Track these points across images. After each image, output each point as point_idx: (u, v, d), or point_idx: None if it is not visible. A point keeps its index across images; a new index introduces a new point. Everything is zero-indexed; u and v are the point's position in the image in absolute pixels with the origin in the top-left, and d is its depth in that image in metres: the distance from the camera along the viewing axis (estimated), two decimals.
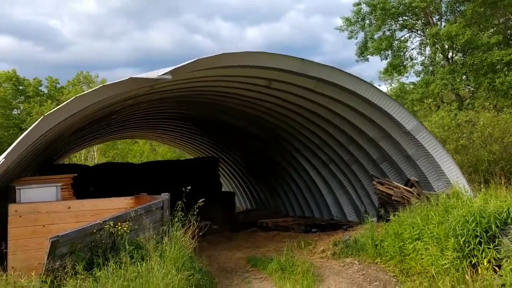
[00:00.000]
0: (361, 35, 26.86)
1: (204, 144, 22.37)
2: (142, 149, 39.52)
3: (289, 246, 10.41)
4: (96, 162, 37.79)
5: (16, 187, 9.17)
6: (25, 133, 8.25)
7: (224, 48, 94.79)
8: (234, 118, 16.51)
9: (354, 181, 14.69)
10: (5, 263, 8.71)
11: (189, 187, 8.54)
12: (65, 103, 8.49)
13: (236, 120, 16.73)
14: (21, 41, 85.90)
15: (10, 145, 8.46)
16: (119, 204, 9.97)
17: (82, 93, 8.66)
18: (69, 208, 9.48)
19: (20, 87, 61.02)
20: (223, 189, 21.24)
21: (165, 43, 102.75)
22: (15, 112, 60.91)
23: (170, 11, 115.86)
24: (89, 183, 15.23)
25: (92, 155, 44.07)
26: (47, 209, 9.29)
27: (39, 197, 9.42)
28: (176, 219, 8.15)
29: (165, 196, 8.94)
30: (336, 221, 15.66)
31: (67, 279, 6.96)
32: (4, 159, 7.99)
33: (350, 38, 26.89)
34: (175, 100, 14.36)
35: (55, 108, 8.56)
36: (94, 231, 7.54)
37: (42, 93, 61.14)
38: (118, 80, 8.60)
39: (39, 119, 8.24)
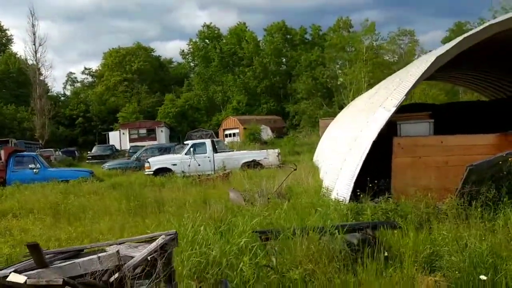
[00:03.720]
0: None
1: None
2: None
3: None
4: None
5: (398, 122, 10.43)
6: (419, 69, 9.23)
7: None
8: None
9: None
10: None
11: None
12: (454, 43, 9.08)
13: None
14: None
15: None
16: (486, 141, 10.41)
17: (470, 33, 9.08)
18: (441, 142, 10.38)
19: (288, 36, 67.24)
20: None
21: None
22: (283, 59, 67.62)
23: None
24: None
25: None
26: (423, 142, 10.38)
27: (415, 131, 10.54)
28: None
29: None
30: None
31: (475, 204, 7.75)
32: (405, 97, 9.18)
33: None
34: None
35: (444, 50, 9.24)
36: (499, 162, 8.09)
37: (307, 41, 66.31)
38: None
39: (432, 61, 9.03)
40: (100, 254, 4.22)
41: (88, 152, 43.57)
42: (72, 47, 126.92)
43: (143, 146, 38.17)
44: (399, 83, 10.47)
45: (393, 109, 9.44)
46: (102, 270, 4.15)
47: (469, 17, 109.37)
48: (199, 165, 21.35)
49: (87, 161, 38.81)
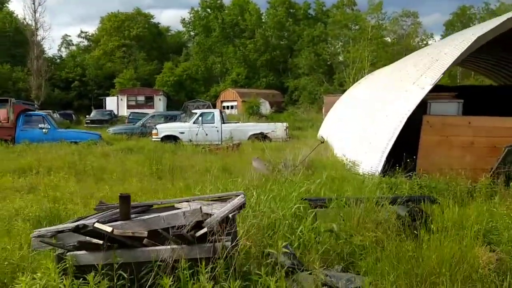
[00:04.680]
0: None
1: None
2: None
3: None
4: None
5: (428, 101, 10.47)
6: (457, 49, 9.22)
7: None
8: None
9: None
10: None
11: None
12: (498, 23, 9.05)
13: None
14: None
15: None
16: None
17: None
18: (469, 123, 10.47)
19: (291, 10, 66.47)
20: None
21: None
22: (285, 33, 66.95)
23: None
24: None
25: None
26: (451, 122, 10.48)
27: (444, 111, 10.60)
28: None
29: None
30: None
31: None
32: (442, 75, 9.19)
33: None
34: None
35: (487, 30, 9.20)
36: None
37: (310, 16, 65.66)
38: None
39: (473, 40, 9.01)
40: (184, 210, 4.25)
41: (87, 116, 43.16)
42: (65, 10, 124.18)
43: (144, 113, 37.91)
44: (432, 61, 10.45)
45: (428, 87, 9.48)
46: (184, 225, 4.18)
47: (473, 1, 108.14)
48: (206, 134, 21.32)
49: (85, 125, 38.48)
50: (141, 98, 51.48)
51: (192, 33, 76.98)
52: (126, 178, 10.71)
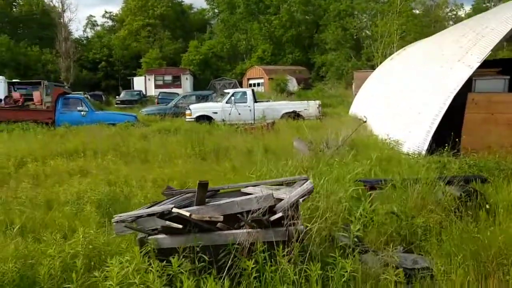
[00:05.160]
0: None
1: None
2: None
3: None
4: None
5: (473, 78, 10.30)
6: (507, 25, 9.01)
7: None
8: None
9: None
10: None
11: None
12: None
13: None
14: None
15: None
16: None
17: None
18: None
19: None
20: None
21: None
22: (311, 8, 65.81)
23: None
24: None
25: None
26: (497, 99, 10.31)
27: (490, 88, 10.43)
28: None
29: None
30: None
31: None
32: (490, 52, 9.02)
33: None
34: None
35: None
36: None
37: None
38: None
39: None
40: (257, 195, 4.39)
41: (116, 97, 43.79)
42: None
43: (173, 92, 38.25)
44: (478, 38, 10.23)
45: (475, 65, 9.33)
46: (256, 209, 4.34)
47: None
48: (239, 114, 21.43)
49: (115, 105, 39.08)
50: (168, 78, 51.76)
51: (216, 11, 76.55)
52: (171, 159, 10.95)
